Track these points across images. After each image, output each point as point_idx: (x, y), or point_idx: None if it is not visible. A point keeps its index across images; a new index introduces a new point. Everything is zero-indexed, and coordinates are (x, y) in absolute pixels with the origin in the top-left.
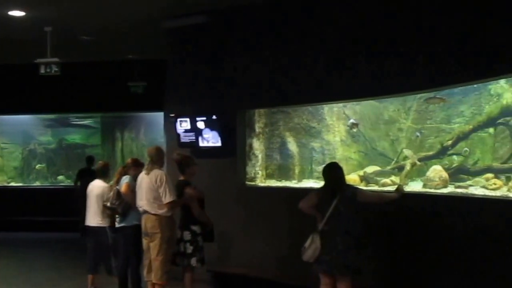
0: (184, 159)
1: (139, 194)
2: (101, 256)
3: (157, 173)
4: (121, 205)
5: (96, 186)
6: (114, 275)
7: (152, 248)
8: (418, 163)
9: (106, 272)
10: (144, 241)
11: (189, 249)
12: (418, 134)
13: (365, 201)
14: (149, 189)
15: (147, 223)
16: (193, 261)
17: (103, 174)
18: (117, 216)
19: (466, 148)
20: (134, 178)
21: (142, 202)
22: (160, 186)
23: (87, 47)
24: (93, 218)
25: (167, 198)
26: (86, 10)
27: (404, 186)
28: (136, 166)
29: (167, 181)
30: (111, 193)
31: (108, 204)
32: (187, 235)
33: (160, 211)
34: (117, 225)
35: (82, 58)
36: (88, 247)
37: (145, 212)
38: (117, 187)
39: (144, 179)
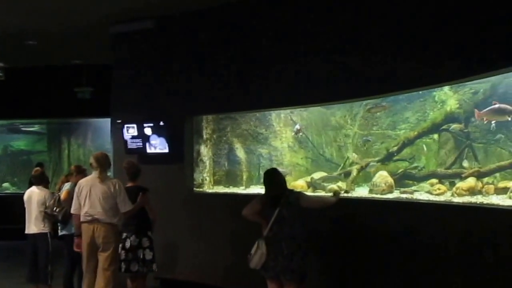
0: (136, 166)
1: (88, 202)
2: (41, 264)
3: (113, 181)
4: (61, 212)
5: (36, 193)
6: (49, 283)
7: (104, 258)
8: (370, 161)
9: (42, 281)
10: (86, 251)
11: (149, 255)
12: (369, 139)
13: (308, 206)
14: (107, 198)
15: (98, 233)
16: (155, 266)
17: (41, 181)
18: (59, 223)
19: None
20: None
21: (95, 210)
22: (119, 195)
23: (32, 52)
24: (34, 225)
25: (127, 207)
26: (31, 15)
27: (341, 193)
28: (78, 173)
29: (124, 190)
30: (52, 200)
31: (49, 211)
32: (145, 242)
33: (114, 220)
34: (59, 233)
35: (28, 63)
36: (28, 255)
37: (95, 220)
38: (58, 194)
39: (97, 187)
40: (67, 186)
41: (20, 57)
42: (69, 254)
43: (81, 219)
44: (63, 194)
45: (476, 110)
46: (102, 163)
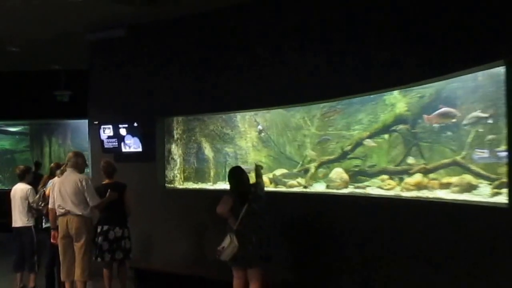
0: (112, 165)
1: (59, 197)
2: (27, 255)
3: (80, 177)
4: (46, 207)
5: (19, 189)
6: (36, 271)
7: (78, 248)
8: (317, 165)
9: (28, 270)
10: (62, 242)
11: (129, 243)
12: (329, 138)
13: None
14: (75, 193)
15: (71, 225)
16: (131, 255)
17: (23, 177)
18: (43, 217)
19: (373, 143)
20: None
21: (66, 204)
22: (87, 190)
23: (14, 57)
24: (19, 219)
25: (95, 201)
26: (13, 23)
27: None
28: (58, 169)
29: (91, 185)
30: (37, 195)
31: (35, 205)
32: (126, 232)
33: (85, 212)
34: (44, 225)
35: (10, 68)
36: (15, 247)
37: (68, 213)
38: (43, 189)
39: (67, 183)
40: (51, 183)
41: (3, 63)
42: (51, 245)
43: (57, 213)
44: (47, 190)
45: (424, 115)
46: (69, 161)
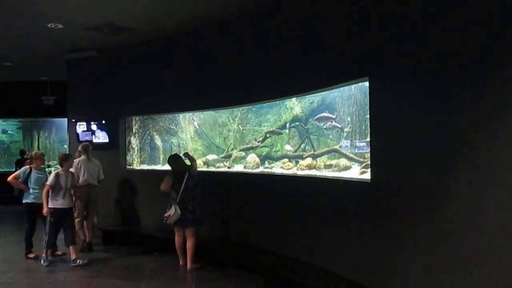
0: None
1: (87, 173)
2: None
3: (96, 161)
4: (17, 189)
5: None
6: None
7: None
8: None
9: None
10: (82, 204)
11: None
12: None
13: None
14: (93, 170)
15: (91, 192)
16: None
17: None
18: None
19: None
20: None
21: (89, 178)
22: (99, 169)
23: (10, 70)
24: None
25: (103, 176)
26: (8, 45)
27: (189, 153)
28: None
29: (101, 166)
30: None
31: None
32: None
33: (96, 183)
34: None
35: (6, 78)
36: None
37: (89, 184)
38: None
39: (89, 164)
40: (20, 170)
41: (1, 74)
42: (28, 216)
43: (80, 183)
44: (10, 176)
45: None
46: (86, 150)
